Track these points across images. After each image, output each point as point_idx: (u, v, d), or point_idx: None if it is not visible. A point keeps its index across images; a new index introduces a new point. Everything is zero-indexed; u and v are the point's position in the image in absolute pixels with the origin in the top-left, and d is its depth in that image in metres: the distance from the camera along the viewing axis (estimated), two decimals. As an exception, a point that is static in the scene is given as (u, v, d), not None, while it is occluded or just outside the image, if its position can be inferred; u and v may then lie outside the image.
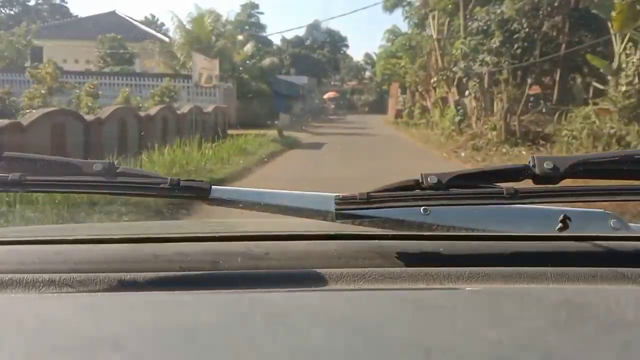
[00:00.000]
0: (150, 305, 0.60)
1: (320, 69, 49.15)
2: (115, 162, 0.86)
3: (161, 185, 0.82)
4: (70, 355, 0.46)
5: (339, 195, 0.81)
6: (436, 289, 0.67)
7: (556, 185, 0.80)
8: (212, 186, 0.85)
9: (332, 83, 51.86)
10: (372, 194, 0.79)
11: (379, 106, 40.10)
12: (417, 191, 0.79)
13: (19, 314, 0.57)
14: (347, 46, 59.97)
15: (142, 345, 0.48)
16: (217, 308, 0.58)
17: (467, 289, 0.67)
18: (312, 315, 0.55)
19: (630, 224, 0.91)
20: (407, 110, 26.09)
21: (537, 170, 0.79)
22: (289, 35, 50.53)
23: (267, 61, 27.07)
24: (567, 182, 0.81)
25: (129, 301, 0.61)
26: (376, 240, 0.79)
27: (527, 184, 0.81)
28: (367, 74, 52.61)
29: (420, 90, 23.53)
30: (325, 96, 41.92)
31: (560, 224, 0.85)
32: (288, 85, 30.36)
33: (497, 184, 0.80)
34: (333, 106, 37.86)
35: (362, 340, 0.49)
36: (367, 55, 52.45)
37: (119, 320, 0.54)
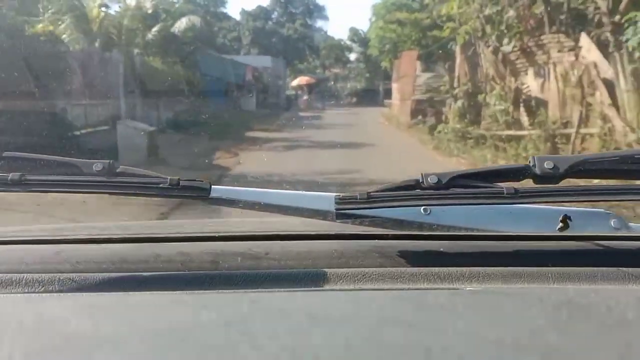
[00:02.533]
0: (150, 305, 0.60)
1: (292, 48, 37.31)
2: None
3: (161, 185, 0.82)
4: (70, 355, 0.46)
5: (339, 195, 0.81)
6: (436, 288, 0.67)
7: (556, 185, 0.80)
8: (212, 186, 0.85)
9: (317, 70, 38.70)
10: (372, 193, 0.79)
11: (371, 96, 29.97)
12: (418, 191, 0.79)
13: (19, 313, 0.57)
14: (326, 18, 46.85)
15: (142, 345, 0.48)
16: (217, 308, 0.58)
17: (467, 289, 0.67)
18: (312, 315, 0.55)
19: (630, 223, 0.91)
20: (458, 104, 11.34)
21: (537, 170, 0.79)
22: (251, 7, 37.58)
23: (181, 24, 14.55)
24: (567, 182, 0.81)
25: (129, 301, 0.61)
26: (376, 240, 0.79)
27: (527, 183, 0.80)
28: (353, 55, 39.22)
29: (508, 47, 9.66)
30: (294, 83, 30.19)
31: (560, 224, 0.85)
32: (228, 65, 18.85)
33: (498, 184, 0.80)
34: (306, 97, 26.60)
35: (362, 340, 0.49)
36: (354, 31, 38.61)
37: (119, 320, 0.54)
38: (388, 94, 29.75)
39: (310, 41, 40.20)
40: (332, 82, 36.49)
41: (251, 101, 20.19)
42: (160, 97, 12.04)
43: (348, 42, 39.76)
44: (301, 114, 21.70)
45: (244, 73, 21.09)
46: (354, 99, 32.12)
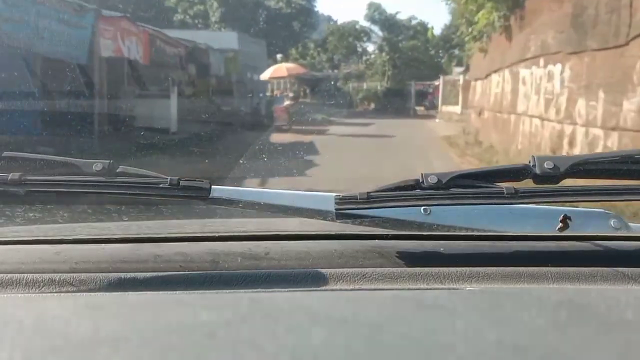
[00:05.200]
0: (150, 305, 0.60)
1: (283, 29, 25.20)
2: None
3: (161, 185, 0.82)
4: (70, 355, 0.46)
5: (339, 195, 0.81)
6: (436, 288, 0.67)
7: (556, 185, 0.80)
8: (212, 186, 0.85)
9: (323, 69, 26.49)
10: (372, 193, 0.79)
11: (398, 102, 20.15)
12: (418, 191, 0.79)
13: (19, 314, 0.57)
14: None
15: (142, 345, 0.47)
16: (217, 308, 0.58)
17: (467, 288, 0.67)
18: (312, 315, 0.55)
19: (630, 223, 0.91)
20: None
21: (537, 170, 0.80)
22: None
23: None
24: (567, 182, 0.82)
25: (129, 301, 0.61)
26: (376, 240, 0.79)
27: (527, 183, 0.81)
28: (370, 46, 26.91)
29: None
30: (266, 75, 18.45)
31: (560, 224, 0.85)
32: (72, 22, 7.33)
33: (498, 184, 0.80)
34: (288, 103, 14.77)
35: (362, 340, 0.49)
36: (374, 7, 25.62)
37: (119, 320, 0.54)
38: (420, 97, 20.56)
39: (310, 20, 26.87)
40: (344, 82, 24.52)
41: (167, 109, 9.30)
42: None
43: (366, 24, 26.56)
44: (273, 139, 10.38)
45: (81, 48, 8.30)
46: (372, 106, 21.94)
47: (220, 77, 14.88)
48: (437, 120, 17.11)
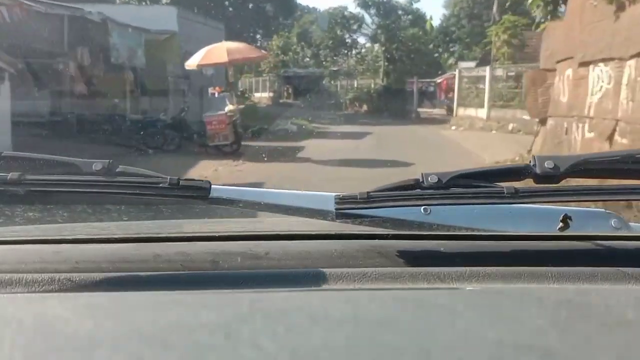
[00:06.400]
0: (150, 305, 0.60)
1: (254, 12, 20.44)
2: None
3: (161, 185, 0.82)
4: (70, 355, 0.46)
5: (339, 195, 0.81)
6: (436, 288, 0.67)
7: (557, 185, 0.80)
8: (212, 185, 0.85)
9: (309, 67, 22.17)
10: (372, 193, 0.79)
11: (397, 104, 16.71)
12: (418, 190, 0.79)
13: (19, 314, 0.57)
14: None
15: (142, 345, 0.47)
16: (217, 308, 0.58)
17: (467, 288, 0.67)
18: (312, 315, 0.55)
19: (630, 223, 0.91)
20: None
21: (537, 170, 0.80)
22: None
23: None
24: (567, 182, 0.82)
25: (129, 301, 0.61)
26: (376, 240, 0.79)
27: (527, 183, 0.81)
28: (362, 40, 23.07)
29: None
30: (193, 62, 10.46)
31: (560, 224, 0.85)
32: None
33: (498, 184, 0.80)
34: (232, 108, 9.07)
35: (362, 340, 0.49)
36: None
37: (119, 320, 0.54)
38: (423, 96, 16.79)
39: (287, 5, 21.73)
40: (329, 79, 20.58)
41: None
42: None
43: (357, 11, 22.29)
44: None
45: None
46: (364, 107, 18.50)
47: (136, 70, 10.02)
48: (452, 127, 13.49)
